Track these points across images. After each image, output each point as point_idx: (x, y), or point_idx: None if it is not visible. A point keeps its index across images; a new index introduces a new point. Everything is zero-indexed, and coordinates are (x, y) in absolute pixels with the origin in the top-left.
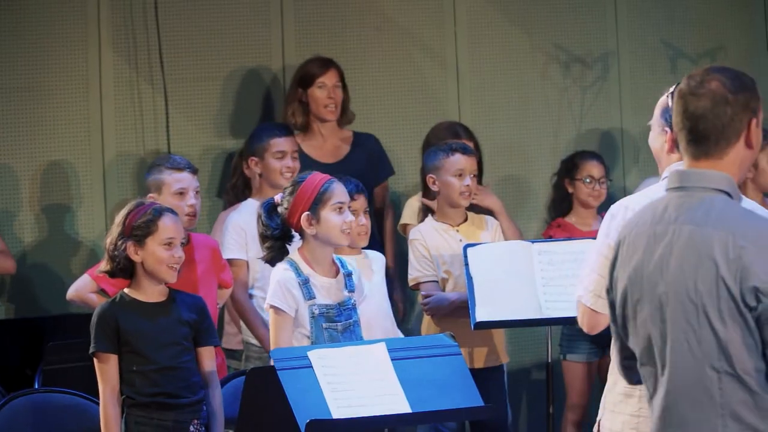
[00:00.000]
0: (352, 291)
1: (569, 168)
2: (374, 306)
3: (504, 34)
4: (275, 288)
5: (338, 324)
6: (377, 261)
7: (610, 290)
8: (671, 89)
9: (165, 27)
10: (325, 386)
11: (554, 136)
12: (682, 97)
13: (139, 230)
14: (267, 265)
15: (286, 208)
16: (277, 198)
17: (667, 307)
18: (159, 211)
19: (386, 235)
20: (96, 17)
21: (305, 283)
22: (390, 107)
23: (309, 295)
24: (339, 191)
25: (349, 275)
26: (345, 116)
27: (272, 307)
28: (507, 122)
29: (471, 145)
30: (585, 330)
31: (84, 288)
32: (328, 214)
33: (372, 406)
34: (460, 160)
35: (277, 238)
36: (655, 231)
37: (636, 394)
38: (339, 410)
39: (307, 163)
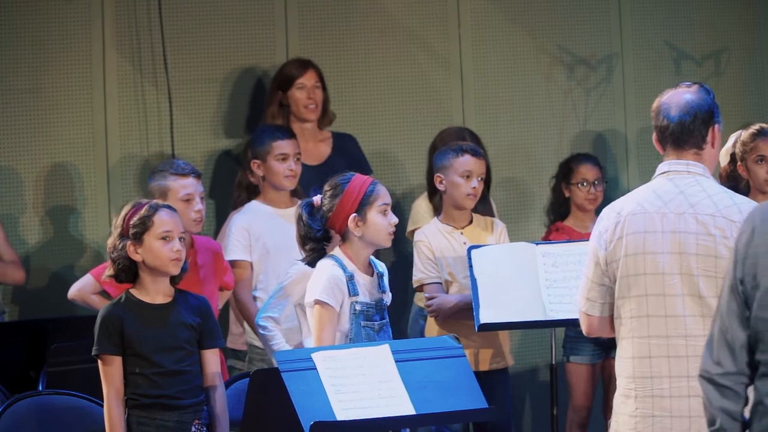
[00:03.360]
0: (383, 292)
1: (565, 172)
2: None
3: (508, 36)
4: (325, 284)
5: (375, 323)
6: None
7: (744, 281)
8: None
9: (169, 29)
10: (329, 388)
11: (558, 137)
12: None
13: (136, 228)
14: (270, 266)
15: (329, 210)
16: (317, 199)
17: None
18: (155, 207)
19: None
20: (100, 19)
21: (351, 279)
22: (393, 109)
23: (354, 292)
24: (384, 193)
25: (381, 276)
26: (325, 117)
27: (319, 302)
28: (511, 124)
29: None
30: (584, 333)
31: (86, 288)
32: (374, 215)
33: (376, 408)
34: (468, 162)
35: (319, 240)
36: None
37: (632, 395)
38: (343, 412)
39: None
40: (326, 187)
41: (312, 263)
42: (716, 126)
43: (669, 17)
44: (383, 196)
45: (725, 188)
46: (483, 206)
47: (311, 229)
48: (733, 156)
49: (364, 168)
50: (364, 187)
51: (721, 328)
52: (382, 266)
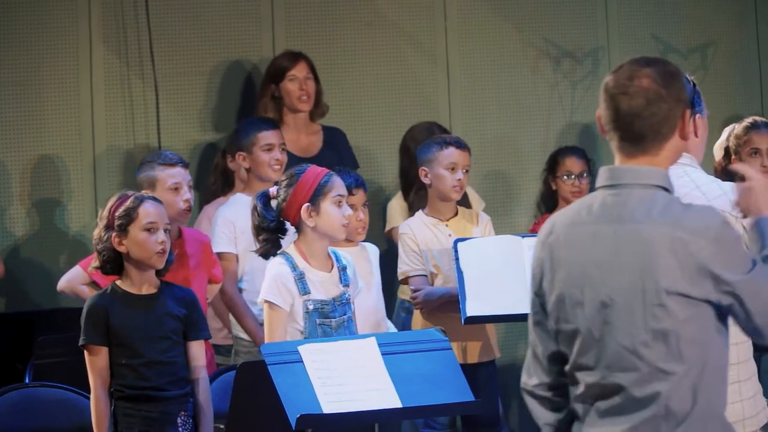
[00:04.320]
0: (347, 285)
1: (552, 165)
2: (374, 299)
3: (494, 29)
4: (271, 283)
5: (332, 320)
6: (374, 252)
7: (539, 293)
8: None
9: (155, 21)
10: (316, 381)
11: (545, 130)
12: (612, 96)
13: (121, 219)
14: (255, 259)
15: (283, 200)
16: (273, 190)
17: (612, 308)
18: (140, 199)
19: None
20: (87, 11)
21: (300, 278)
22: (380, 102)
23: (304, 290)
24: (338, 184)
25: (344, 269)
26: (318, 108)
27: (267, 302)
28: (497, 117)
29: None
30: None
31: (75, 279)
32: (328, 206)
33: (362, 401)
34: (453, 154)
35: (272, 231)
36: (593, 230)
37: None
38: (329, 405)
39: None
40: (282, 177)
41: (265, 255)
42: (698, 115)
43: (656, 10)
44: (338, 188)
45: (713, 177)
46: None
47: (265, 219)
48: (727, 150)
49: (351, 163)
50: (319, 177)
51: (530, 341)
52: (346, 258)
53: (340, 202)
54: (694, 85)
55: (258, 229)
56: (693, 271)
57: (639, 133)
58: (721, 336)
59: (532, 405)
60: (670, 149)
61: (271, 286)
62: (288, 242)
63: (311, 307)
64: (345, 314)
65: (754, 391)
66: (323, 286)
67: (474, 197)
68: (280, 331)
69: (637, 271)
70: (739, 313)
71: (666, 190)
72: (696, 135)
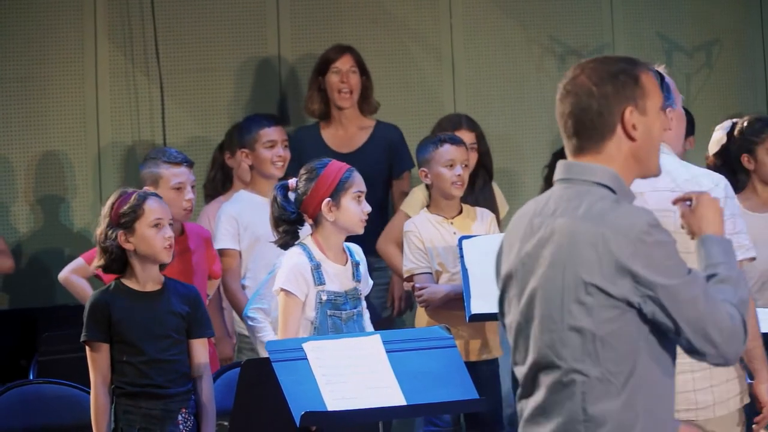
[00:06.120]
0: (359, 281)
1: (557, 161)
2: None
3: (499, 27)
4: (289, 272)
5: (342, 312)
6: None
7: (497, 283)
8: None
9: (161, 18)
10: (320, 378)
11: (549, 128)
12: (558, 97)
13: (126, 217)
14: (259, 256)
15: (303, 193)
16: (292, 182)
17: (536, 302)
18: (143, 196)
19: None
20: (92, 8)
21: (317, 269)
22: (385, 99)
23: (319, 281)
24: (359, 180)
25: (357, 265)
26: (367, 104)
27: (283, 290)
28: (502, 115)
29: (473, 135)
30: None
31: (77, 272)
32: (348, 202)
33: (367, 399)
34: (449, 151)
35: (292, 222)
36: (533, 223)
37: None
38: (334, 402)
39: (321, 150)
40: (302, 171)
41: (284, 246)
42: (669, 108)
43: (660, 8)
44: (358, 184)
45: (683, 162)
46: (484, 195)
47: (285, 211)
48: (723, 148)
49: (404, 160)
50: (340, 173)
51: None
52: (359, 255)
53: (359, 197)
54: (662, 78)
55: (278, 221)
56: (611, 268)
57: (574, 130)
58: (651, 346)
59: None
60: (614, 150)
61: (289, 276)
62: (303, 233)
63: (324, 298)
64: (355, 308)
65: (727, 377)
66: (338, 278)
67: (500, 198)
68: (295, 320)
69: (558, 264)
70: (665, 323)
71: (610, 189)
72: (669, 128)
